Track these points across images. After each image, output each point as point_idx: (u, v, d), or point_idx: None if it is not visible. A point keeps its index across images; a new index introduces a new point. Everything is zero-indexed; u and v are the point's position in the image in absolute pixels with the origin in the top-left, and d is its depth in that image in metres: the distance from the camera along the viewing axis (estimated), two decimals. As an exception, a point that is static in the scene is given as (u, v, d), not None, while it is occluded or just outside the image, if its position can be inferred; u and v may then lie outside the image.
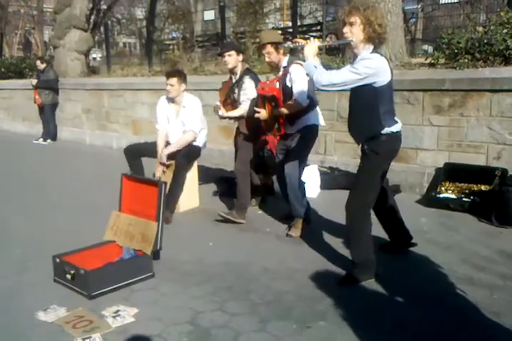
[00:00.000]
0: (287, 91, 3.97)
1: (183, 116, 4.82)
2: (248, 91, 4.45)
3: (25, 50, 26.74)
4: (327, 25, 12.24)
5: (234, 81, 4.58)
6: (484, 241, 3.95)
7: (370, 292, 3.07)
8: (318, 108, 4.17)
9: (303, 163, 4.15)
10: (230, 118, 4.62)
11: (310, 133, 4.11)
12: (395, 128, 3.12)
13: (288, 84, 3.96)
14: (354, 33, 2.96)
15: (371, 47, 3.00)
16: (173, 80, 4.74)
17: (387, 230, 3.71)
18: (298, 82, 3.91)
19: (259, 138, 4.54)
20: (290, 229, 4.18)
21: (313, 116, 4.10)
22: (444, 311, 2.82)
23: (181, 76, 4.82)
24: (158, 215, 3.41)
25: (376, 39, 2.99)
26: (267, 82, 4.09)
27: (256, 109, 4.11)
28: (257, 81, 4.46)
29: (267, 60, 4.15)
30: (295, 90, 3.92)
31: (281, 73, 4.09)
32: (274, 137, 4.25)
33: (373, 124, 3.08)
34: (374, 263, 3.19)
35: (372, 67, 2.90)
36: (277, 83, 3.97)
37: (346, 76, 2.93)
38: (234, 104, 4.57)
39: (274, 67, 4.23)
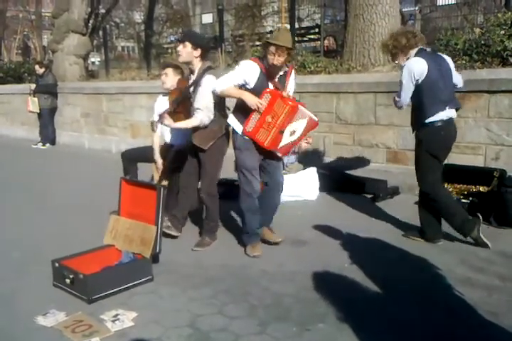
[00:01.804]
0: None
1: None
2: (206, 96, 3.70)
3: (24, 55, 26.72)
4: (325, 28, 12.27)
5: (191, 81, 3.87)
6: (483, 242, 3.95)
7: (369, 294, 3.07)
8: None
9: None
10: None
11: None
12: (437, 117, 3.69)
13: (290, 88, 3.82)
14: (399, 59, 3.88)
15: (407, 56, 3.79)
16: (168, 70, 4.50)
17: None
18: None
19: (225, 148, 3.98)
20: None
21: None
22: (443, 312, 2.82)
23: (178, 68, 4.48)
24: (157, 219, 3.41)
25: (404, 49, 3.78)
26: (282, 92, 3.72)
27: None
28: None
29: (277, 62, 3.48)
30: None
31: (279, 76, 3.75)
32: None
33: (418, 116, 3.78)
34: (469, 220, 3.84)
35: (407, 73, 3.67)
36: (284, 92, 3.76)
37: (402, 86, 3.76)
38: (188, 109, 3.83)
39: (277, 73, 3.67)
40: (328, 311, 2.84)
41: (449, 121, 3.77)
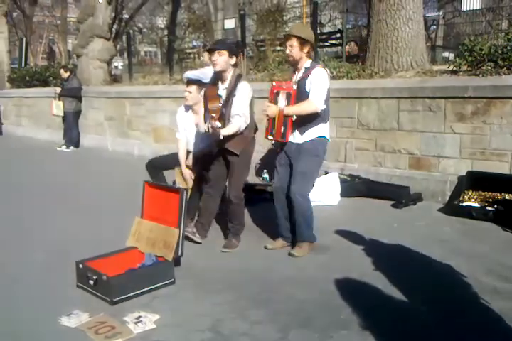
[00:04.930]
0: (304, 94, 3.67)
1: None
2: (244, 101, 3.77)
3: (49, 59, 27.26)
4: (347, 33, 12.24)
5: (221, 89, 3.89)
6: (509, 251, 3.88)
7: (394, 301, 3.03)
8: (328, 122, 3.89)
9: (313, 180, 3.87)
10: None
11: (321, 146, 3.82)
12: None
13: (307, 87, 3.68)
14: None
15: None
16: (192, 88, 4.60)
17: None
18: (318, 84, 3.63)
19: (252, 154, 4.06)
20: (294, 248, 3.92)
21: (325, 128, 3.82)
22: (469, 321, 2.77)
23: (201, 84, 4.55)
24: (179, 222, 3.43)
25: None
26: (283, 83, 3.81)
27: (267, 103, 3.71)
28: (250, 89, 3.88)
29: (287, 51, 3.74)
30: (313, 91, 3.63)
31: (300, 75, 3.78)
32: (277, 141, 3.89)
33: None
34: None
35: None
36: (294, 85, 3.72)
37: None
38: (221, 117, 3.77)
39: (292, 64, 3.86)
40: (351, 318, 2.81)
41: None
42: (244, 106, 3.77)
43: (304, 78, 3.73)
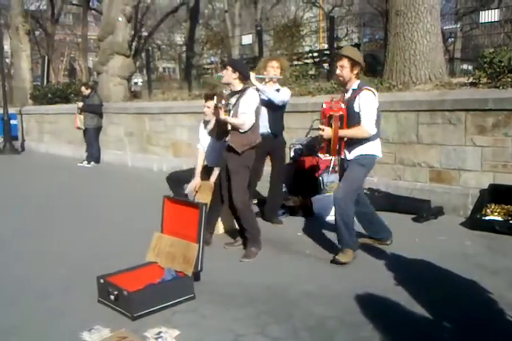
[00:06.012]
0: (353, 115, 3.85)
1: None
2: (250, 103, 4.06)
3: (70, 76, 27.79)
4: (364, 47, 12.27)
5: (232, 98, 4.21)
6: (534, 266, 3.80)
7: (417, 317, 2.98)
8: (378, 139, 4.04)
9: (356, 191, 3.99)
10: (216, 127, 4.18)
11: (368, 160, 3.97)
12: None
13: (355, 108, 3.84)
14: None
15: None
16: (210, 103, 4.62)
17: None
18: (367, 109, 3.81)
19: (252, 159, 4.20)
20: (338, 254, 4.00)
21: (373, 146, 3.96)
22: (493, 337, 2.71)
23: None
24: (199, 237, 3.44)
25: None
26: (332, 102, 3.93)
27: (320, 126, 3.90)
28: (258, 97, 4.20)
29: (337, 72, 3.97)
30: (363, 117, 3.82)
31: (348, 95, 3.96)
32: (333, 159, 4.13)
33: None
34: None
35: None
36: (342, 104, 3.88)
37: None
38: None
39: (342, 84, 4.13)
40: (373, 335, 2.77)
41: None
42: (250, 106, 4.05)
43: (352, 99, 3.89)
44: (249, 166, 4.18)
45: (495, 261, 3.93)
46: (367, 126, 3.82)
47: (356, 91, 3.88)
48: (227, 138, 4.15)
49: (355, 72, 3.90)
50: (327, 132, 3.84)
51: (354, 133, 3.86)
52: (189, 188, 4.92)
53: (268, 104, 4.77)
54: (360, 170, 3.96)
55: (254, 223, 4.25)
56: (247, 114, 4.04)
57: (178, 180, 5.32)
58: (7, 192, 7.56)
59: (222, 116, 3.97)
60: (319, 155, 4.13)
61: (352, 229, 3.97)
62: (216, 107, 3.99)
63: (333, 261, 3.94)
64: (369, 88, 3.89)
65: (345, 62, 3.87)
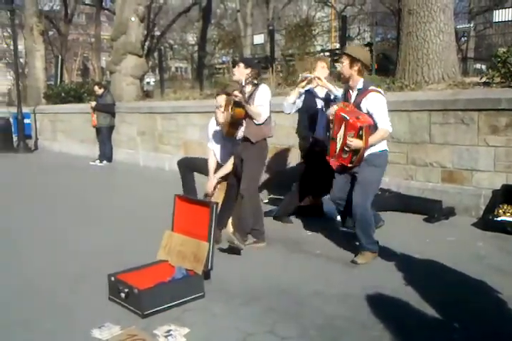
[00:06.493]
0: None
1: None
2: (265, 96, 4.23)
3: (83, 76, 28.07)
4: (376, 46, 12.21)
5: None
6: (547, 267, 3.76)
7: (427, 318, 2.96)
8: None
9: (374, 191, 4.00)
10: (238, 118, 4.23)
11: (382, 157, 3.97)
12: None
13: (363, 109, 3.85)
14: None
15: None
16: (221, 98, 4.77)
17: None
18: (380, 111, 3.84)
19: (267, 150, 4.39)
20: (357, 255, 4.01)
21: (383, 142, 3.99)
22: (506, 339, 2.68)
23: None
24: (209, 235, 3.45)
25: None
26: (347, 109, 3.86)
27: (350, 139, 3.76)
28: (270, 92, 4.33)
29: (337, 68, 4.09)
30: (379, 119, 3.83)
31: (354, 95, 3.95)
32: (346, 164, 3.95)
33: None
34: None
35: None
36: (366, 115, 3.83)
37: None
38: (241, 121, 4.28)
39: (343, 81, 4.09)
40: (383, 335, 2.76)
41: None
42: (265, 99, 4.21)
43: (359, 101, 3.89)
44: (263, 157, 4.36)
45: (507, 262, 3.90)
46: (385, 126, 3.86)
47: (363, 93, 3.89)
48: (238, 134, 4.29)
49: (355, 68, 3.89)
50: (357, 143, 3.74)
51: (378, 138, 3.85)
52: (208, 187, 4.92)
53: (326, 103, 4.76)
54: (373, 171, 3.92)
55: (249, 217, 4.31)
56: (264, 106, 4.20)
57: (188, 165, 5.42)
58: (20, 190, 7.65)
59: (245, 101, 4.08)
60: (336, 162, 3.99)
61: (371, 232, 3.99)
62: (240, 89, 4.12)
63: (352, 261, 3.96)
64: (376, 89, 3.91)
65: (344, 59, 3.94)
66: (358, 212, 3.89)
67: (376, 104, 3.84)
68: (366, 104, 3.85)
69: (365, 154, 3.89)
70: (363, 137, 3.72)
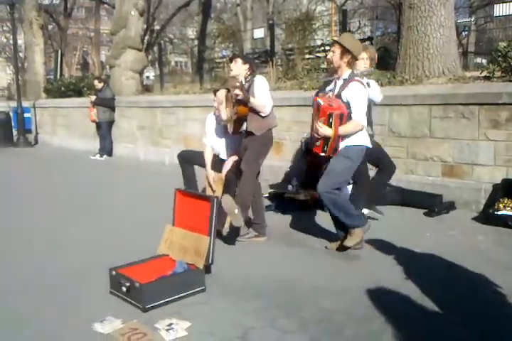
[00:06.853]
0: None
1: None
2: (263, 87, 4.20)
3: (83, 70, 27.98)
4: (376, 40, 12.18)
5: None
6: (547, 261, 3.77)
7: (427, 312, 2.98)
8: (365, 129, 3.93)
9: (339, 179, 3.89)
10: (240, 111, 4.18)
11: (355, 151, 3.87)
12: None
13: (344, 98, 3.80)
14: None
15: None
16: (221, 92, 4.72)
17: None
18: (357, 101, 3.78)
19: (271, 139, 4.36)
20: (344, 240, 3.96)
21: (361, 136, 3.88)
22: (503, 334, 2.70)
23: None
24: (210, 230, 3.46)
25: None
26: (326, 97, 3.88)
27: (319, 124, 3.74)
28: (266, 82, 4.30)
29: (328, 56, 4.00)
30: (354, 110, 3.78)
31: (339, 84, 3.91)
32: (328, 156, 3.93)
33: None
34: None
35: None
36: (340, 101, 3.79)
37: None
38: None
39: (332, 70, 4.07)
40: (382, 329, 2.77)
41: None
42: (264, 90, 4.19)
43: (341, 91, 3.84)
44: (268, 143, 4.33)
45: (507, 256, 3.91)
46: (359, 118, 3.78)
47: (347, 82, 3.84)
48: (243, 128, 4.28)
49: (345, 60, 3.84)
50: (325, 130, 3.71)
51: (349, 129, 3.77)
52: (207, 183, 4.92)
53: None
54: (342, 161, 3.84)
55: (248, 194, 4.29)
56: (266, 97, 4.19)
57: (188, 158, 5.44)
58: (20, 184, 7.66)
59: (245, 96, 4.03)
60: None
61: (349, 210, 3.94)
62: (240, 86, 4.06)
63: (340, 248, 3.96)
64: (358, 79, 3.86)
65: (335, 48, 3.88)
66: (324, 198, 3.86)
67: (354, 93, 3.77)
68: (346, 93, 3.81)
69: (341, 146, 3.82)
70: (333, 125, 3.68)
